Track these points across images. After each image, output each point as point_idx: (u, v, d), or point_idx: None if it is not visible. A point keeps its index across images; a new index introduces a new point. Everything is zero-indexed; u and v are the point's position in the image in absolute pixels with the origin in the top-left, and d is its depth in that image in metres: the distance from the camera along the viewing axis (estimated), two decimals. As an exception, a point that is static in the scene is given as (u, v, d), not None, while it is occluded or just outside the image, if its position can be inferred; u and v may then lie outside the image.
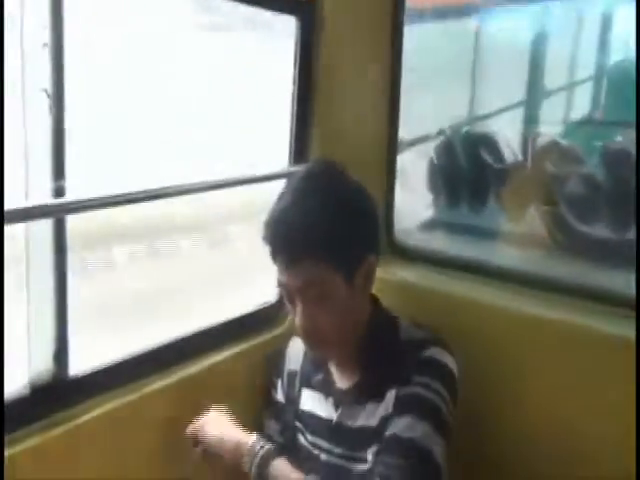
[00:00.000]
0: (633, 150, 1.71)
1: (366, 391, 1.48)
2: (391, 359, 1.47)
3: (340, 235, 1.36)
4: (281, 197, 1.42)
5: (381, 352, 1.49)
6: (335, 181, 1.44)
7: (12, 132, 1.18)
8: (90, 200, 1.28)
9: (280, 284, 1.41)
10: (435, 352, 1.44)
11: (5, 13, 1.13)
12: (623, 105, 2.26)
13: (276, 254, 1.38)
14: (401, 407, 1.39)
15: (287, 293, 1.42)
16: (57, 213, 1.25)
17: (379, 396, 1.45)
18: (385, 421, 1.41)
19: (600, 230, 1.75)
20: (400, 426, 1.36)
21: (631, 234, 1.69)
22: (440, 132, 2.09)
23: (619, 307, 1.57)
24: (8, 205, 1.12)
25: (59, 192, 1.24)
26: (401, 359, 1.45)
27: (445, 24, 2.49)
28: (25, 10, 1.18)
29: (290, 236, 1.35)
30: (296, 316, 1.40)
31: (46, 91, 1.20)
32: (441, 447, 1.36)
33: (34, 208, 1.21)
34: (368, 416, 1.47)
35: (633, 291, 1.54)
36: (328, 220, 1.36)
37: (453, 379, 1.45)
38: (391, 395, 1.42)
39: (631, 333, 1.44)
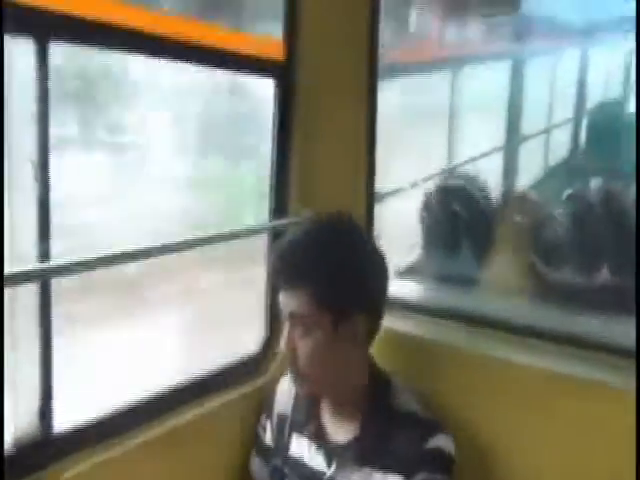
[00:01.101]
0: (595, 199, 1.77)
1: (363, 454, 1.50)
2: (388, 427, 1.50)
3: (331, 279, 1.44)
4: (293, 233, 1.55)
5: (376, 415, 1.53)
6: (342, 231, 1.53)
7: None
8: (74, 263, 1.33)
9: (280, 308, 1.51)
10: (440, 441, 1.48)
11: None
12: (594, 154, 2.33)
13: (274, 280, 1.52)
14: None
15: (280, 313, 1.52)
16: (41, 277, 1.29)
17: (376, 462, 1.49)
18: None
19: (568, 276, 1.80)
20: None
21: (599, 279, 1.75)
22: (413, 185, 2.15)
23: (594, 351, 1.62)
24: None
25: (45, 254, 1.29)
26: (400, 436, 1.48)
27: (420, 78, 2.57)
28: (12, 80, 1.23)
29: (287, 265, 1.47)
30: (283, 340, 1.49)
31: (32, 161, 1.25)
32: None
33: (18, 274, 1.24)
34: (363, 479, 1.49)
35: (605, 335, 1.59)
36: (324, 262, 1.45)
37: (454, 464, 1.50)
38: (396, 479, 1.46)
39: (607, 377, 1.51)
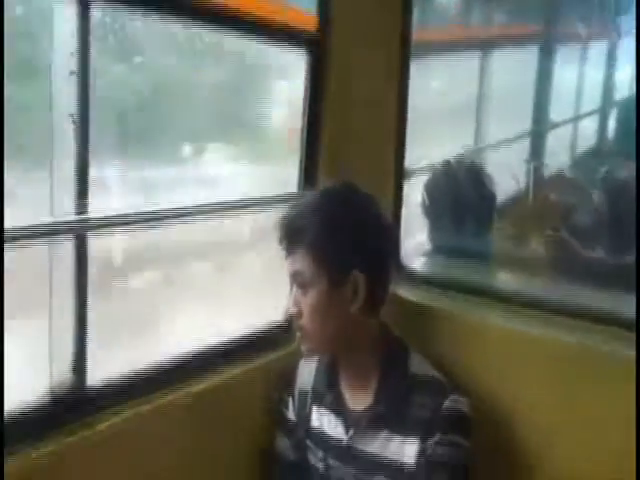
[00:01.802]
0: (631, 181, 1.77)
1: (380, 419, 1.54)
2: (404, 392, 1.54)
3: (327, 237, 1.49)
4: (298, 199, 1.61)
5: (392, 380, 1.55)
6: (346, 195, 1.57)
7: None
8: (112, 217, 1.36)
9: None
10: (455, 402, 1.52)
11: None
12: (626, 137, 2.31)
13: (280, 242, 1.55)
14: (431, 470, 1.48)
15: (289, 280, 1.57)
16: (78, 230, 1.32)
17: (393, 426, 1.52)
18: (403, 466, 1.50)
19: (600, 254, 1.80)
20: None
21: (629, 258, 1.74)
22: (445, 162, 2.16)
23: (619, 328, 1.61)
24: (34, 221, 1.20)
25: (82, 211, 1.31)
26: (417, 400, 1.52)
27: (452, 58, 2.57)
28: (54, 39, 1.27)
29: (287, 226, 1.53)
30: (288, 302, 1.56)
31: (72, 116, 1.28)
32: None
33: (57, 224, 1.28)
34: (381, 445, 1.53)
35: (630, 312, 1.58)
36: (324, 220, 1.50)
37: (470, 424, 1.53)
38: (413, 443, 1.50)
39: (629, 353, 1.50)
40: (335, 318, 1.52)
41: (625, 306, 1.66)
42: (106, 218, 1.36)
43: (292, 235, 1.52)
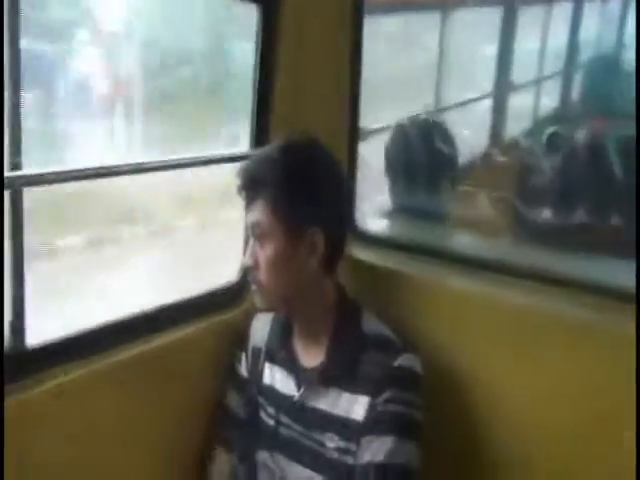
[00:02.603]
0: (576, 138, 1.78)
1: (330, 375, 1.55)
2: (355, 350, 1.54)
3: (287, 190, 1.49)
4: (257, 151, 1.63)
5: (345, 339, 1.56)
6: (305, 149, 1.57)
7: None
8: (48, 174, 1.33)
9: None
10: (407, 360, 1.52)
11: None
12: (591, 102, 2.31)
13: (239, 193, 1.54)
14: (381, 426, 1.48)
15: (246, 232, 1.58)
16: (13, 185, 1.29)
17: (343, 384, 1.53)
18: (352, 423, 1.51)
19: (546, 215, 1.82)
20: (385, 450, 1.45)
21: (574, 219, 1.77)
22: (399, 123, 2.15)
23: (563, 287, 1.64)
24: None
25: (16, 166, 1.28)
26: (369, 358, 1.52)
27: (410, 17, 2.54)
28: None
29: (250, 176, 1.52)
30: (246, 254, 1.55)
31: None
32: (418, 458, 1.48)
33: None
34: (331, 402, 1.54)
35: (575, 272, 1.62)
36: (284, 173, 1.50)
37: (421, 382, 1.54)
38: (363, 400, 1.50)
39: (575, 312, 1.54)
40: (291, 272, 1.52)
41: (572, 267, 1.69)
42: (43, 174, 1.33)
43: (252, 185, 1.51)
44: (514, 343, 1.63)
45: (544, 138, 1.84)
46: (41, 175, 1.34)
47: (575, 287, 1.63)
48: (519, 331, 1.63)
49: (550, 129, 1.86)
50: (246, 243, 1.59)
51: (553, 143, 1.83)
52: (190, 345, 1.71)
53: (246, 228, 1.57)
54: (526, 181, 1.87)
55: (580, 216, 1.76)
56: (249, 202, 1.53)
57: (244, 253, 1.59)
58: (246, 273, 1.79)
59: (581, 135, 1.87)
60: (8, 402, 1.29)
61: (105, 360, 1.51)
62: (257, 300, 1.59)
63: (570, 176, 1.79)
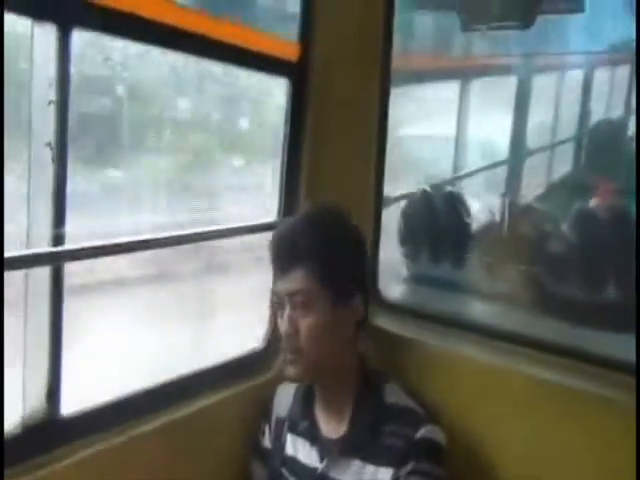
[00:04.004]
0: (603, 214, 1.80)
1: (352, 447, 1.53)
2: (377, 422, 1.53)
3: (335, 257, 1.50)
4: (288, 219, 1.63)
5: (367, 410, 1.56)
6: (338, 217, 1.58)
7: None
8: (87, 248, 1.35)
9: (274, 292, 1.55)
10: (430, 432, 1.51)
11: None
12: (598, 169, 2.34)
13: (275, 261, 1.54)
14: None
15: (278, 301, 1.53)
16: (54, 261, 1.31)
17: (366, 456, 1.52)
18: None
19: (571, 291, 1.83)
20: None
21: (600, 296, 1.77)
22: (422, 191, 2.17)
23: (589, 364, 1.64)
24: (10, 253, 1.19)
25: (59, 240, 1.30)
26: (391, 429, 1.51)
27: (432, 86, 2.60)
28: (34, 68, 1.26)
29: (288, 244, 1.51)
30: (283, 321, 1.51)
31: (50, 144, 1.27)
32: None
33: (34, 255, 1.27)
34: (354, 474, 1.52)
35: (601, 349, 1.61)
36: (326, 240, 1.50)
37: (444, 455, 1.53)
38: (386, 472, 1.49)
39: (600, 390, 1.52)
40: (334, 340, 1.53)
41: (598, 344, 1.69)
42: (82, 249, 1.35)
43: (291, 253, 1.50)
44: (533, 415, 1.62)
45: (572, 214, 1.85)
46: (81, 250, 1.35)
47: (597, 363, 1.63)
48: (539, 404, 1.62)
49: (577, 205, 1.87)
50: (275, 310, 1.58)
51: (580, 219, 1.84)
52: (217, 414, 1.70)
53: (276, 296, 1.54)
54: (551, 254, 1.88)
55: (606, 293, 1.76)
56: (285, 270, 1.51)
57: (271, 321, 1.58)
58: (273, 341, 1.80)
59: (604, 210, 1.89)
60: (40, 473, 1.29)
61: (133, 430, 1.50)
62: (288, 369, 1.55)
63: (596, 252, 1.80)
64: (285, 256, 1.52)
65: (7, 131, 1.18)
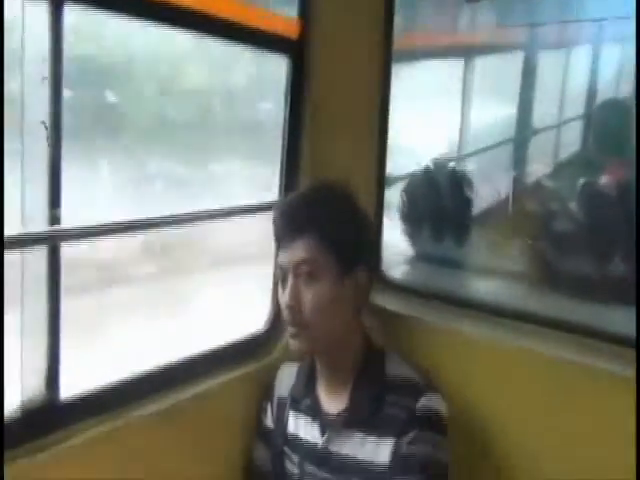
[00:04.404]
0: (610, 191, 1.79)
1: (354, 420, 1.54)
2: (379, 393, 1.54)
3: (339, 226, 1.51)
4: (294, 193, 1.65)
5: (368, 383, 1.56)
6: (340, 189, 1.58)
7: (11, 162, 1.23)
8: (85, 228, 1.34)
9: (278, 264, 1.55)
10: (431, 400, 1.51)
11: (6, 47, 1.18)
12: (607, 146, 2.31)
13: (279, 232, 1.55)
14: (407, 467, 1.46)
15: (282, 273, 1.53)
16: (51, 240, 1.30)
17: (368, 428, 1.52)
18: (378, 467, 1.49)
19: (578, 266, 1.82)
20: None
21: (606, 270, 1.77)
22: (425, 168, 2.16)
23: (594, 339, 1.64)
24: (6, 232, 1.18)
25: (55, 220, 1.29)
26: (392, 400, 1.52)
27: (433, 63, 2.57)
28: (25, 45, 1.23)
29: (293, 214, 1.53)
30: (285, 294, 1.51)
31: (44, 123, 1.25)
32: None
33: (30, 235, 1.26)
34: (356, 447, 1.53)
35: (606, 324, 1.63)
36: (330, 210, 1.52)
37: (446, 424, 1.53)
38: (388, 443, 1.49)
39: (603, 364, 1.54)
40: (340, 311, 1.53)
41: (604, 319, 1.70)
42: (80, 228, 1.34)
43: (297, 224, 1.51)
44: (536, 390, 1.64)
45: (578, 188, 1.84)
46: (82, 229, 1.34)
47: (600, 338, 1.63)
48: (543, 379, 1.63)
49: (583, 179, 1.86)
50: (278, 284, 1.56)
51: (586, 193, 1.83)
52: (220, 396, 1.70)
53: (281, 268, 1.54)
54: (556, 229, 1.87)
55: (613, 267, 1.76)
56: (289, 241, 1.51)
57: (275, 295, 1.59)
58: (276, 323, 1.80)
59: (610, 183, 1.87)
60: (41, 456, 1.30)
61: (135, 412, 1.50)
62: (293, 344, 1.54)
63: (602, 226, 1.79)
64: (289, 227, 1.53)
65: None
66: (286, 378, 1.72)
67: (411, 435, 1.47)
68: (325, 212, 1.51)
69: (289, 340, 1.56)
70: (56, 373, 1.36)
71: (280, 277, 1.55)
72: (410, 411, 1.49)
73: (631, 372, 1.46)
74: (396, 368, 1.59)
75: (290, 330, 1.53)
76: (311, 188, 1.63)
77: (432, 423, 1.50)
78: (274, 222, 1.56)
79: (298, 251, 1.49)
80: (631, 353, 1.51)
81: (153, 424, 1.54)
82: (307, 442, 1.61)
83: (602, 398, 1.52)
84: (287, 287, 1.51)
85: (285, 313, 1.52)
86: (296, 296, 1.49)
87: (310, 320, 1.49)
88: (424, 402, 1.50)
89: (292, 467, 1.64)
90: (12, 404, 1.33)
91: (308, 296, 1.49)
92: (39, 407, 1.35)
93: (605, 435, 1.51)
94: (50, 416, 1.36)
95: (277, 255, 1.57)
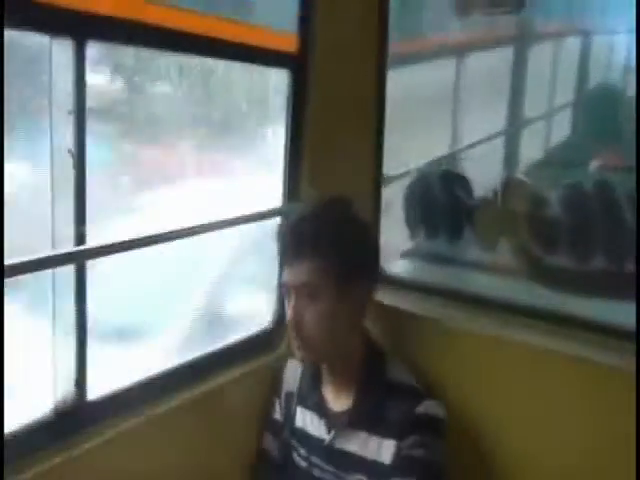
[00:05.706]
0: (588, 189, 1.86)
1: (358, 420, 1.63)
2: (381, 397, 1.63)
3: (342, 250, 1.56)
4: (299, 212, 1.67)
5: (371, 385, 1.65)
6: (345, 211, 1.65)
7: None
8: (109, 246, 1.44)
9: (282, 283, 1.63)
10: (430, 407, 1.61)
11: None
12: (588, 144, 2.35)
13: (282, 251, 1.62)
14: (405, 470, 1.56)
15: (286, 291, 1.61)
16: (79, 259, 1.40)
17: (371, 427, 1.62)
18: (381, 465, 1.59)
19: (561, 260, 1.89)
20: None
21: (588, 265, 1.85)
22: (418, 170, 2.24)
23: (581, 330, 1.72)
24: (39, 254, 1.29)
25: (81, 238, 1.38)
26: (393, 404, 1.61)
27: (425, 66, 2.63)
28: (53, 81, 1.33)
29: (295, 238, 1.58)
30: (289, 310, 1.59)
31: (70, 151, 1.35)
32: None
33: (60, 256, 1.36)
34: (360, 444, 1.62)
35: (589, 314, 1.71)
36: (333, 236, 1.57)
37: (444, 427, 1.62)
38: (390, 444, 1.59)
39: (592, 354, 1.61)
40: (340, 326, 1.61)
41: (589, 310, 1.76)
42: (101, 246, 1.44)
43: (298, 246, 1.57)
44: (536, 384, 1.70)
45: (561, 189, 1.91)
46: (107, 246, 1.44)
47: (593, 330, 1.70)
48: (542, 374, 1.69)
49: (566, 180, 1.92)
50: (283, 298, 1.65)
51: (570, 194, 1.90)
52: (232, 391, 1.78)
53: (284, 286, 1.62)
54: (542, 227, 1.94)
55: (597, 262, 1.83)
56: (291, 262, 1.59)
57: (279, 301, 1.68)
58: (281, 319, 1.90)
59: (594, 182, 1.91)
60: (67, 454, 1.38)
61: (153, 410, 1.58)
62: (298, 355, 1.64)
63: (586, 223, 1.86)
64: (292, 249, 1.59)
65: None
66: (292, 374, 1.81)
67: (411, 439, 1.56)
68: (328, 236, 1.56)
69: (294, 350, 1.64)
70: (83, 376, 1.46)
71: (284, 293, 1.64)
72: (410, 416, 1.59)
73: (622, 362, 1.54)
74: (396, 372, 1.68)
75: (294, 342, 1.62)
76: (315, 208, 1.66)
77: (431, 428, 1.59)
78: (278, 240, 1.64)
79: (299, 274, 1.57)
80: (620, 344, 1.60)
81: (172, 419, 1.61)
82: (314, 437, 1.70)
83: (596, 389, 1.59)
84: (290, 304, 1.59)
85: (289, 327, 1.61)
86: (298, 313, 1.58)
87: (312, 335, 1.58)
88: (423, 408, 1.59)
89: (299, 459, 1.73)
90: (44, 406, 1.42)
91: (310, 313, 1.57)
92: (69, 408, 1.44)
93: (601, 425, 1.58)
94: (80, 415, 1.45)
95: (281, 270, 1.64)
